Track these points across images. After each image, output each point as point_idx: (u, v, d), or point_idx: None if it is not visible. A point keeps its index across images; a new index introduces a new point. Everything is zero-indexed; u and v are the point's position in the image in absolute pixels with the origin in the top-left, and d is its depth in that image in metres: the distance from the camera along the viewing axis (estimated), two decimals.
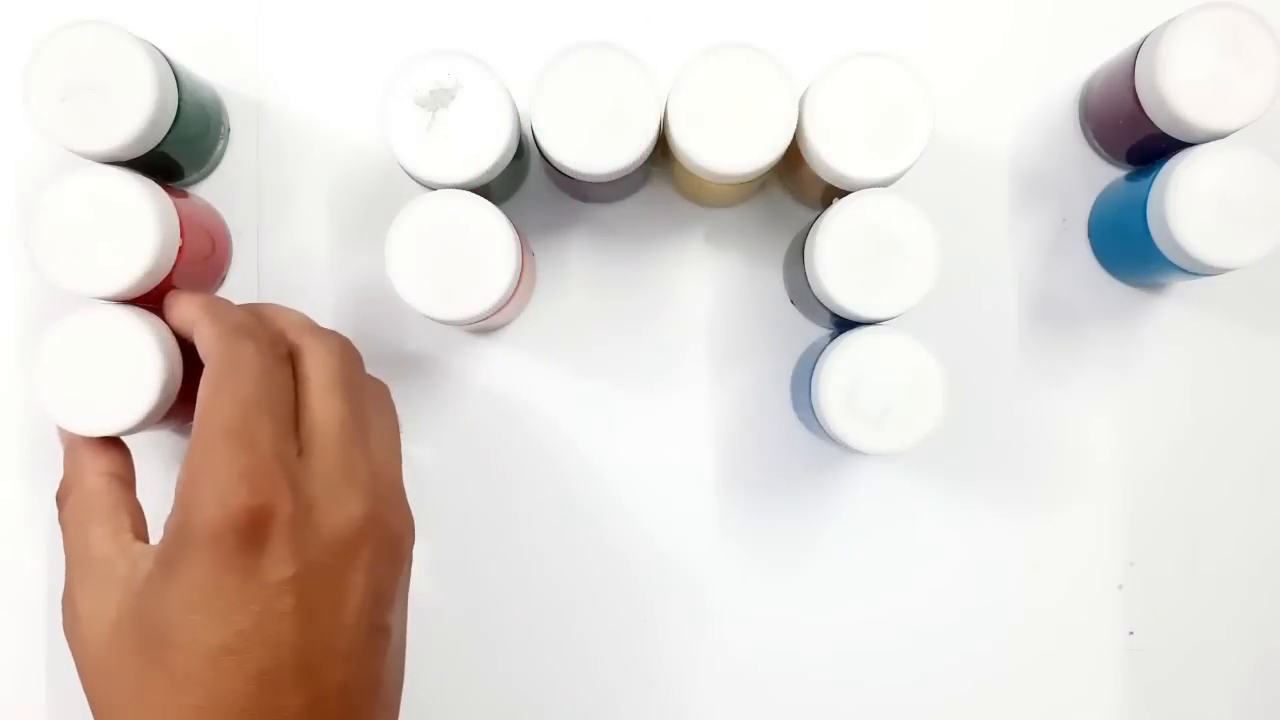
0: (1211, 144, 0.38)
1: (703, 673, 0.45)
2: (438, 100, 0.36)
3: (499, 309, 0.37)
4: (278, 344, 0.35)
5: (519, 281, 0.38)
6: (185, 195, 0.42)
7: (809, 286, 0.39)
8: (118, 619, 0.31)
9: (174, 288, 0.40)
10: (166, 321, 0.37)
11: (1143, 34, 0.40)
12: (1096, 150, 0.45)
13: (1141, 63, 0.39)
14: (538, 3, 0.45)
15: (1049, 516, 0.44)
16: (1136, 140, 0.41)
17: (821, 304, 0.38)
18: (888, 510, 0.44)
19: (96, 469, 0.36)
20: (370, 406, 0.36)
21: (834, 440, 0.38)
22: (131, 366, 0.37)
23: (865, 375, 0.37)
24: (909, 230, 0.37)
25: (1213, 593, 0.44)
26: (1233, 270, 0.37)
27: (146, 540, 0.34)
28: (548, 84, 0.36)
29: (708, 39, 0.37)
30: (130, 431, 0.37)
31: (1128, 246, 0.42)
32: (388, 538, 0.34)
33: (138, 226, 0.37)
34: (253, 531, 0.30)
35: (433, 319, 0.37)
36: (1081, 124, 0.45)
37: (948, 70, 0.44)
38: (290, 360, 0.35)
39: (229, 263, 0.44)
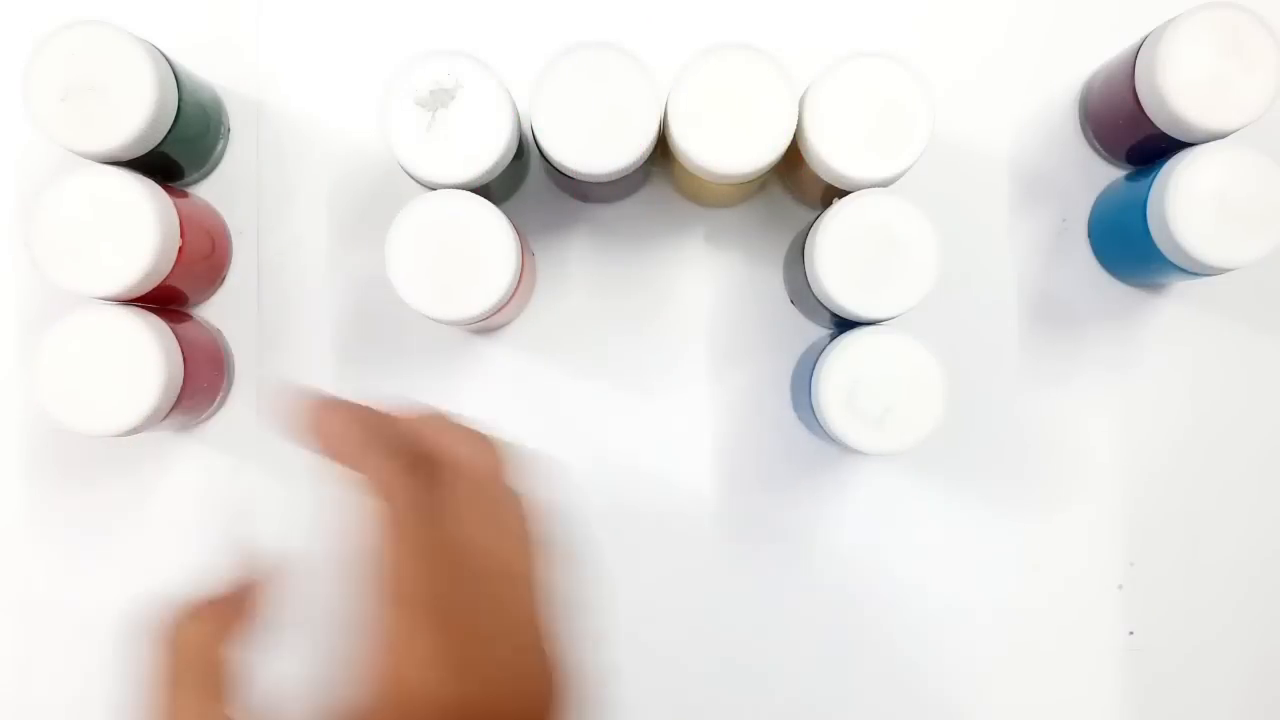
0: (1211, 144, 0.38)
1: (702, 672, 0.44)
2: (438, 100, 0.36)
3: (499, 309, 0.37)
4: (396, 480, 0.30)
5: (519, 281, 0.38)
6: (185, 195, 0.42)
7: (809, 286, 0.39)
8: None
9: (175, 288, 0.40)
10: (318, 436, 0.33)
11: (1143, 34, 0.40)
12: (1096, 150, 0.45)
13: (1141, 63, 0.39)
14: (538, 3, 0.45)
15: (1049, 516, 0.44)
16: (1136, 140, 0.41)
17: (821, 304, 0.38)
18: (888, 510, 0.44)
19: (203, 630, 0.31)
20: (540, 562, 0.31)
21: (834, 440, 0.38)
22: (131, 366, 0.37)
23: (865, 375, 0.37)
24: (909, 230, 0.37)
25: (1213, 593, 0.44)
26: (1233, 270, 0.37)
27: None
28: (548, 84, 0.36)
29: (708, 39, 0.37)
30: (130, 432, 0.37)
31: (1128, 246, 0.42)
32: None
33: (138, 226, 0.37)
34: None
35: (433, 319, 0.37)
36: (1081, 124, 0.45)
37: (948, 70, 0.44)
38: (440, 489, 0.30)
39: (229, 263, 0.44)
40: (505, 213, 0.37)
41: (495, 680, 0.28)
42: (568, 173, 0.37)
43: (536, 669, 0.29)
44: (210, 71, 0.43)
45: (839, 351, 0.37)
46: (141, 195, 0.37)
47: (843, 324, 0.39)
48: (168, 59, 0.38)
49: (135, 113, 0.37)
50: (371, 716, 0.27)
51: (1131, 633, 0.44)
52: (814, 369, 0.38)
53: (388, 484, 0.30)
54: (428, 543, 0.29)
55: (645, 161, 0.38)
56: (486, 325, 0.41)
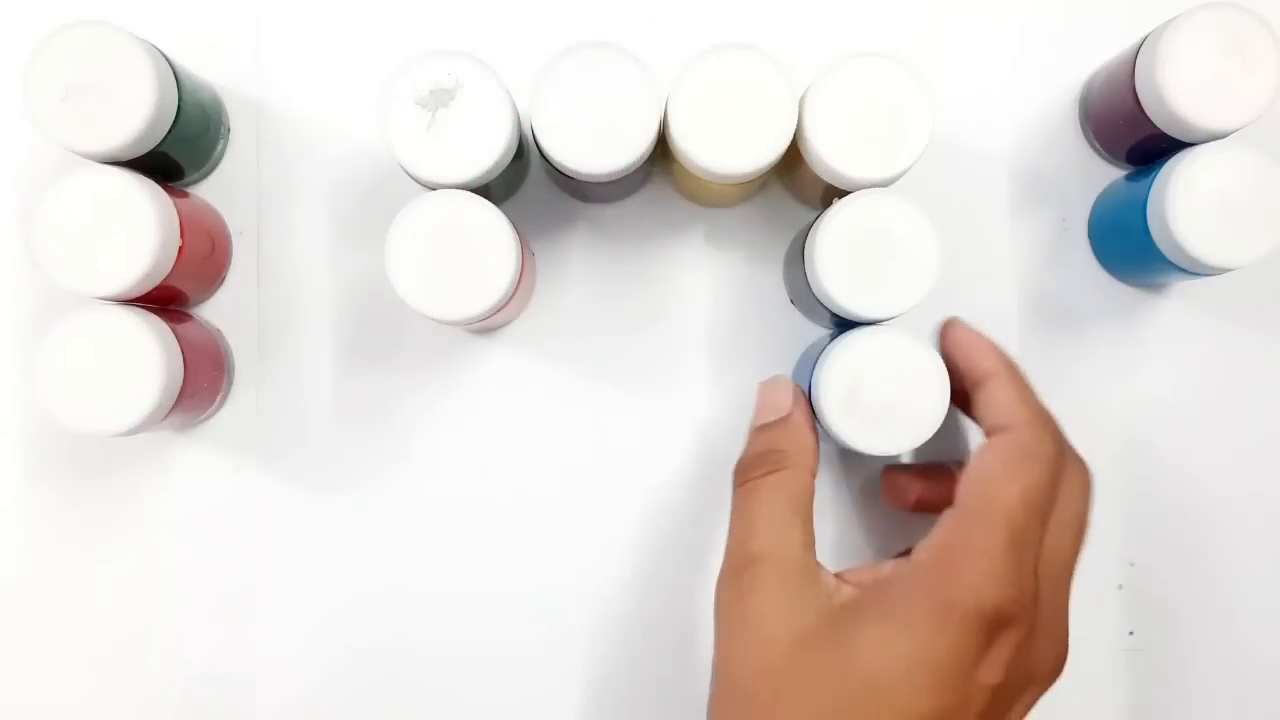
0: (1211, 144, 0.38)
1: (705, 671, 0.44)
2: (438, 100, 0.36)
3: (499, 309, 0.37)
4: (1065, 451, 0.34)
5: (519, 281, 0.38)
6: (185, 195, 0.42)
7: (809, 286, 0.39)
8: (805, 636, 0.31)
9: (175, 288, 0.40)
10: (944, 343, 0.37)
11: (1143, 34, 0.40)
12: (1096, 150, 0.45)
13: (1141, 63, 0.39)
14: (538, 3, 0.45)
15: None
16: (1136, 140, 0.41)
17: (821, 304, 0.38)
18: (888, 510, 0.44)
19: (811, 464, 0.35)
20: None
21: (834, 440, 0.38)
22: (131, 366, 0.37)
23: (865, 375, 0.37)
24: (909, 230, 0.37)
25: (1213, 593, 0.44)
26: (1233, 270, 0.37)
27: None
28: (548, 84, 0.36)
29: (708, 39, 0.37)
30: (130, 432, 0.37)
31: (1128, 246, 0.42)
32: (1049, 687, 0.34)
33: (138, 226, 0.37)
34: (992, 630, 0.30)
35: (433, 319, 0.37)
36: (1081, 124, 0.45)
37: (948, 70, 0.44)
38: None
39: (229, 263, 0.44)
40: (505, 213, 0.37)
41: (1040, 618, 0.32)
42: (568, 173, 0.37)
43: (1061, 627, 0.34)
44: (210, 71, 0.43)
45: (839, 351, 0.37)
46: (141, 195, 0.37)
47: (843, 324, 0.39)
48: (168, 59, 0.38)
49: (135, 113, 0.37)
50: (923, 601, 0.31)
51: (1131, 633, 0.44)
52: (814, 368, 0.38)
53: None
54: (1038, 480, 0.32)
55: (645, 161, 0.38)
56: (486, 325, 0.41)
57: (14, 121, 0.43)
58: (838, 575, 0.34)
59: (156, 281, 0.38)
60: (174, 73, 0.38)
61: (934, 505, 0.35)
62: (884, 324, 0.38)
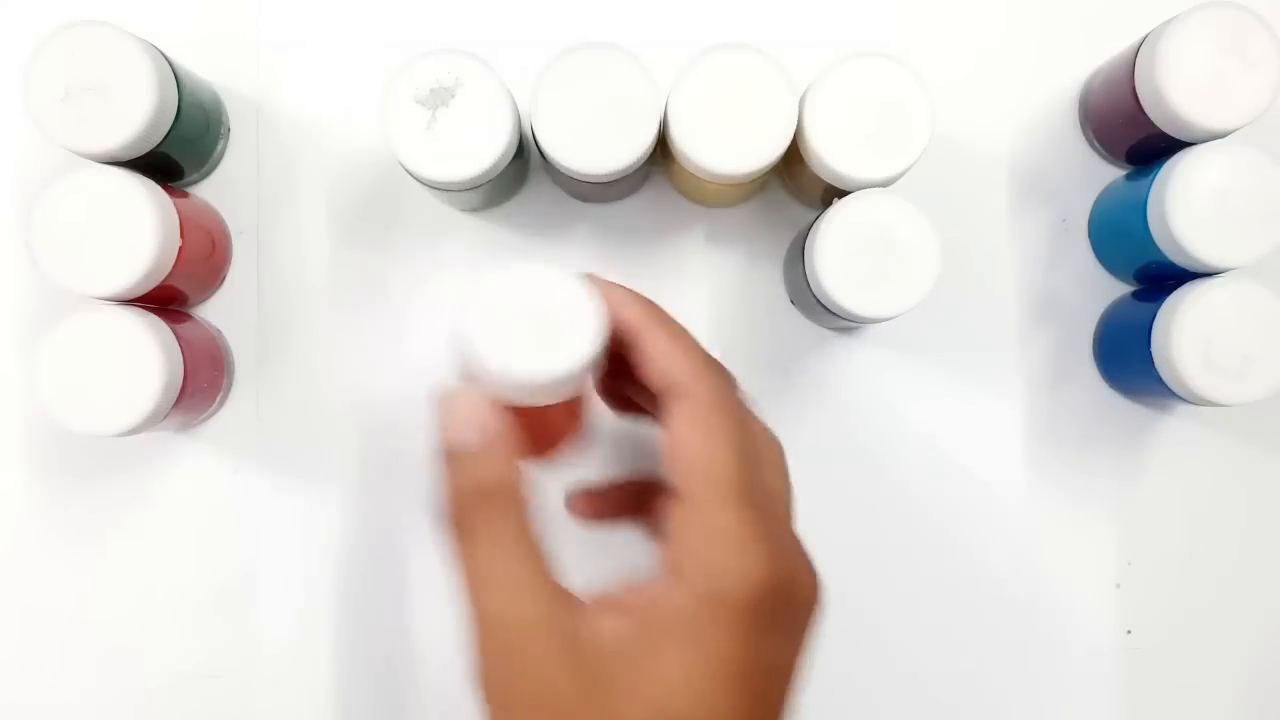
0: (1211, 144, 0.38)
1: None
2: (438, 100, 0.36)
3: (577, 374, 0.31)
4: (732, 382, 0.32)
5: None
6: (185, 195, 0.42)
7: (809, 286, 0.39)
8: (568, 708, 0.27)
9: (175, 288, 0.40)
10: (607, 300, 0.31)
11: (1143, 34, 0.40)
12: (1096, 150, 0.45)
13: (1141, 63, 0.39)
14: (538, 3, 0.45)
15: (1048, 516, 0.44)
16: (1136, 140, 0.41)
17: (821, 304, 0.38)
18: (884, 512, 0.44)
19: (523, 491, 0.30)
20: None
21: (1189, 397, 0.38)
22: (131, 366, 0.37)
23: (1219, 327, 0.37)
24: (909, 230, 0.37)
25: (1210, 592, 0.44)
26: (1233, 270, 0.38)
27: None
28: (548, 84, 0.36)
29: (708, 39, 0.37)
30: (130, 432, 0.37)
31: (1128, 246, 0.42)
32: (819, 612, 0.30)
33: (138, 226, 0.37)
34: (764, 606, 0.27)
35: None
36: (1081, 124, 0.45)
37: (947, 70, 0.44)
38: None
39: (229, 263, 0.44)
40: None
41: (794, 563, 0.29)
42: (568, 173, 0.37)
43: (808, 557, 0.30)
44: (210, 71, 0.43)
45: (1188, 306, 0.37)
46: (141, 195, 0.37)
47: (1151, 280, 0.40)
48: (168, 59, 0.38)
49: (135, 113, 0.37)
50: (693, 608, 0.27)
51: (1129, 632, 0.44)
52: (1152, 327, 0.38)
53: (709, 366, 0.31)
54: (738, 432, 0.29)
55: (645, 161, 0.38)
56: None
57: (14, 121, 0.43)
58: (597, 601, 0.29)
59: (156, 281, 0.38)
60: (174, 73, 0.38)
61: (629, 508, 0.35)
62: (1229, 273, 0.38)
